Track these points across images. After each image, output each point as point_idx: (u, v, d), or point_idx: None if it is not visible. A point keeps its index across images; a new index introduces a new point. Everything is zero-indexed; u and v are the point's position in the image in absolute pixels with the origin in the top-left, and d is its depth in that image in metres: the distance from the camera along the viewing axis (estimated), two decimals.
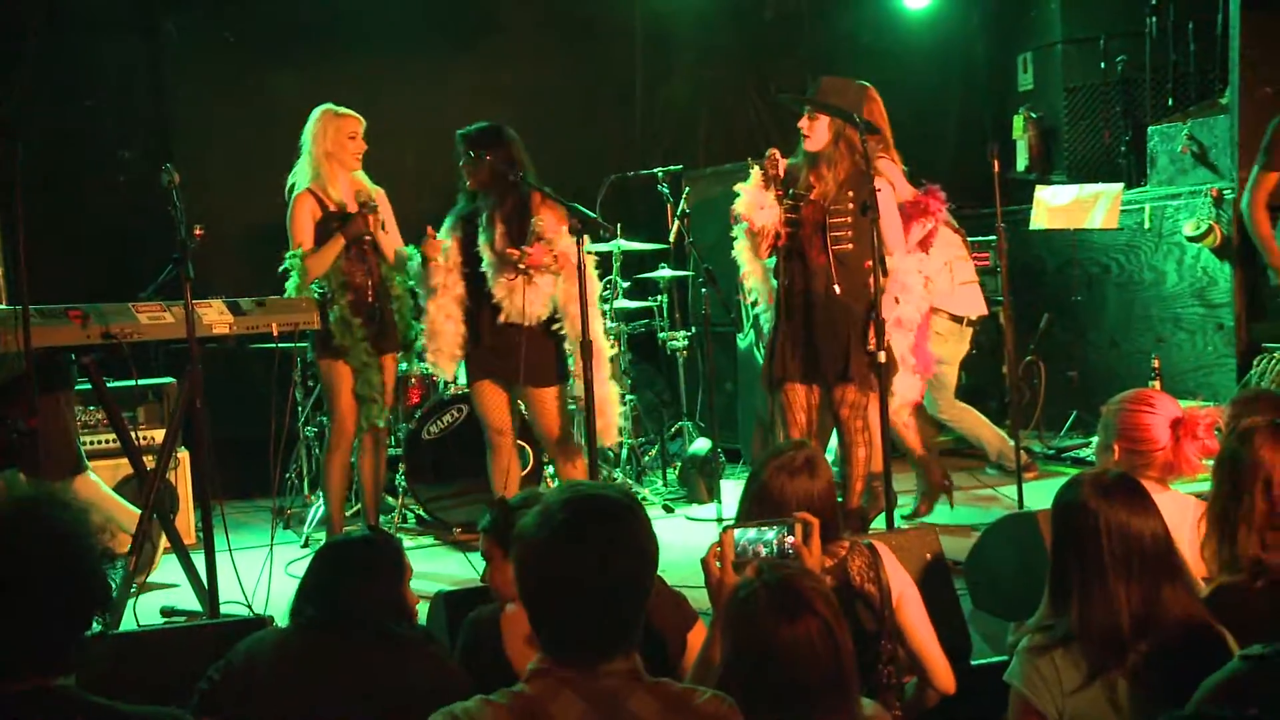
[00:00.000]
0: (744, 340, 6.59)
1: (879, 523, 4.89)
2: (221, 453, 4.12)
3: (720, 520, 5.40)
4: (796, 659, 1.86)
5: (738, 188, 4.66)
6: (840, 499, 4.75)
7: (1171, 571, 2.25)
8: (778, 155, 4.54)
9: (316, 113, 4.82)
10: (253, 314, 4.08)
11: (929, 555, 3.38)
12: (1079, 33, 7.48)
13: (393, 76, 6.94)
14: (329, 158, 4.75)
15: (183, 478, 5.47)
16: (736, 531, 2.36)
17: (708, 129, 7.96)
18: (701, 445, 6.17)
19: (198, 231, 4.12)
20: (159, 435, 5.27)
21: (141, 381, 4.24)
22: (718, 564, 2.33)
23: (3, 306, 3.87)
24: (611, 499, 1.90)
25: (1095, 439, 3.24)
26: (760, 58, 8.01)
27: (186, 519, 5.43)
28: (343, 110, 4.83)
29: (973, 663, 3.18)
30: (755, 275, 4.77)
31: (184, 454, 5.44)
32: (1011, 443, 5.51)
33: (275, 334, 4.09)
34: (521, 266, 4.54)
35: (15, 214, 3.32)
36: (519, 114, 7.01)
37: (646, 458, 6.49)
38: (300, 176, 4.78)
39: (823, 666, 1.87)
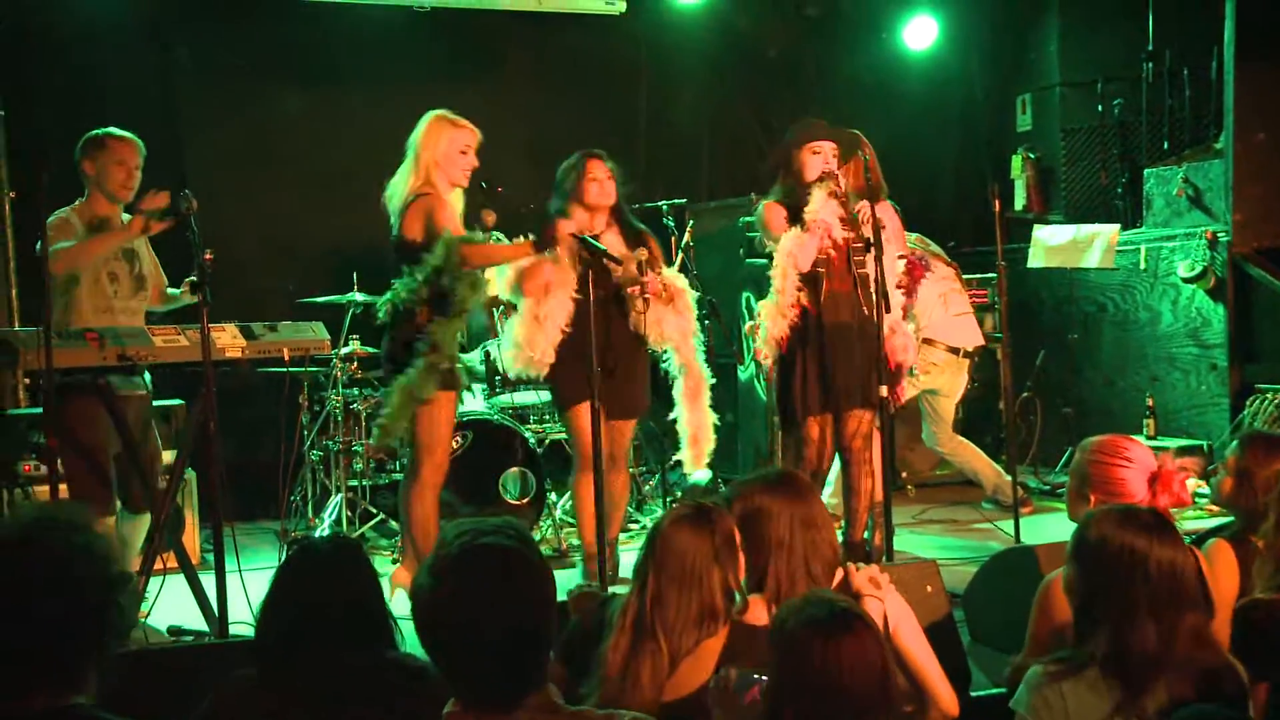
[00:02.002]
0: (745, 372, 6.63)
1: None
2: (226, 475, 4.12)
3: None
4: (851, 674, 1.89)
5: (813, 195, 4.62)
6: (843, 530, 4.84)
7: (1195, 605, 2.32)
8: (839, 174, 4.65)
9: (429, 117, 4.52)
10: (265, 338, 4.11)
11: (929, 588, 3.41)
12: (1076, 76, 7.58)
13: (399, 106, 6.95)
14: (438, 168, 4.45)
15: (189, 499, 5.49)
16: (736, 673, 2.27)
17: (710, 163, 8.04)
18: (701, 476, 6.17)
19: (207, 256, 4.17)
20: (168, 456, 5.28)
21: (154, 403, 4.26)
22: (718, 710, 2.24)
23: (24, 329, 3.90)
24: (501, 548, 1.88)
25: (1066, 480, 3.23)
26: (763, 95, 8.09)
27: (192, 540, 5.44)
28: (458, 119, 4.52)
29: (972, 694, 3.20)
30: (783, 295, 4.64)
31: (190, 476, 5.46)
32: (1008, 477, 5.54)
33: (286, 358, 4.12)
34: (648, 296, 4.54)
35: (42, 237, 3.39)
36: (523, 145, 7.09)
37: (647, 487, 6.50)
38: (405, 183, 4.48)
39: (873, 682, 1.90)
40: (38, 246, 4.06)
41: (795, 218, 4.64)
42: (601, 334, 4.38)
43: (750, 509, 2.60)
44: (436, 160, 4.43)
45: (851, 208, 4.66)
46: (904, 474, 6.70)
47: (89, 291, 4.17)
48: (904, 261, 5.08)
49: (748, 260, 5.67)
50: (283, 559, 2.33)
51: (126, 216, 4.30)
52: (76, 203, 4.31)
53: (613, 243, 4.65)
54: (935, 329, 5.87)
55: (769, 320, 4.66)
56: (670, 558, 2.40)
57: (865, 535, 4.98)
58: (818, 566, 2.56)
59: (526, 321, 4.62)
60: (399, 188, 4.48)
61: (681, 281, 4.79)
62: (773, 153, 4.93)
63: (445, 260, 4.24)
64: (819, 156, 4.69)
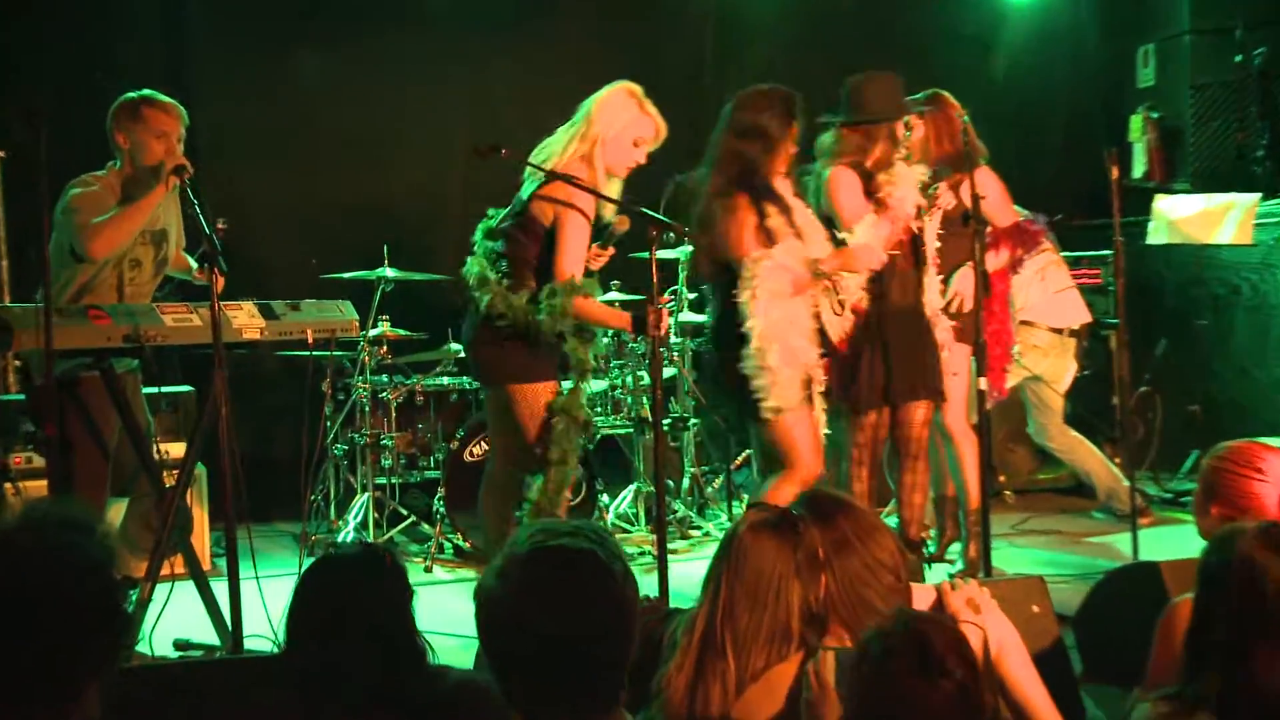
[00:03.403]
0: None
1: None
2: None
3: None
4: (935, 714, 1.87)
5: (895, 171, 4.62)
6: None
7: None
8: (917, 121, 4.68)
9: (619, 86, 4.35)
10: (286, 318, 4.12)
11: (1035, 608, 3.36)
12: (1210, 23, 7.40)
13: (436, 57, 7.01)
14: (603, 147, 4.28)
15: (199, 497, 5.54)
16: (840, 651, 2.31)
17: None
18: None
19: (220, 226, 4.19)
20: (174, 449, 5.34)
21: (163, 389, 4.29)
22: (816, 682, 2.27)
23: (17, 305, 3.93)
24: (575, 549, 1.91)
25: (1194, 488, 3.17)
26: (843, 46, 8.00)
27: (202, 543, 5.49)
28: (648, 104, 4.35)
29: None
30: (848, 293, 4.66)
31: (200, 471, 5.51)
32: (1125, 482, 5.45)
33: (310, 341, 4.13)
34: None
35: (41, 207, 3.42)
36: (576, 96, 7.00)
37: (710, 488, 6.48)
38: (562, 147, 4.28)
39: None
40: (58, 211, 4.07)
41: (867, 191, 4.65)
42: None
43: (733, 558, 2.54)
44: (604, 138, 4.28)
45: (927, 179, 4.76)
46: (1002, 477, 6.62)
47: (103, 272, 4.16)
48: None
49: None
50: (303, 569, 2.35)
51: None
52: (106, 170, 4.22)
53: (790, 199, 4.52)
54: (1035, 309, 5.80)
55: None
56: (747, 566, 2.39)
57: (930, 535, 5.12)
58: (874, 594, 2.51)
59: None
60: (553, 149, 4.31)
61: None
62: (858, 112, 4.79)
63: (555, 303, 4.14)
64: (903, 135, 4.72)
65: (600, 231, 4.41)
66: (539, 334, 4.20)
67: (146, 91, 4.27)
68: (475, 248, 4.45)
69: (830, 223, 4.68)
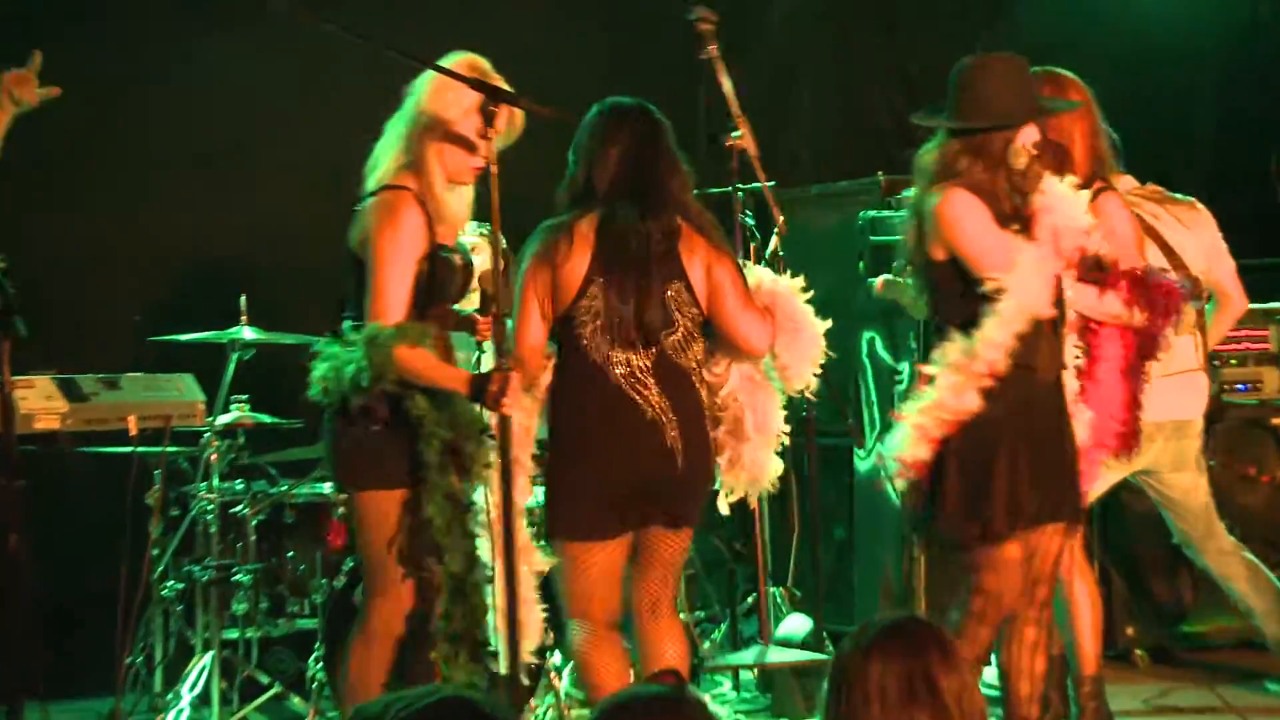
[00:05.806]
0: (865, 460, 6.59)
1: None
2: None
3: None
4: None
5: (1047, 185, 4.64)
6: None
7: None
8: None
9: (452, 61, 4.34)
10: (98, 399, 4.14)
11: None
12: None
13: (311, 47, 7.00)
14: (439, 151, 4.35)
15: None
16: None
17: (814, 128, 8.06)
18: (796, 626, 6.15)
19: None
20: None
21: None
22: None
23: None
24: (467, 700, 2.07)
25: None
26: (891, 24, 8.14)
27: None
28: (498, 80, 4.35)
29: None
30: (994, 349, 4.59)
31: None
32: None
33: (133, 432, 4.14)
34: None
35: None
36: (528, 94, 7.04)
37: (708, 642, 6.47)
38: (389, 154, 4.38)
39: None
40: None
41: (1004, 220, 4.63)
42: None
43: (840, 679, 2.62)
44: (446, 133, 4.34)
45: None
46: (1130, 630, 6.65)
47: None
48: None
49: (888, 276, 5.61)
50: None
51: None
52: None
53: None
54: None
55: (949, 392, 4.54)
56: None
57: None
58: None
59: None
60: (381, 159, 4.39)
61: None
62: (972, 113, 4.80)
63: (371, 365, 4.14)
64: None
65: (451, 267, 4.43)
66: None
67: None
68: None
69: (932, 268, 4.69)
